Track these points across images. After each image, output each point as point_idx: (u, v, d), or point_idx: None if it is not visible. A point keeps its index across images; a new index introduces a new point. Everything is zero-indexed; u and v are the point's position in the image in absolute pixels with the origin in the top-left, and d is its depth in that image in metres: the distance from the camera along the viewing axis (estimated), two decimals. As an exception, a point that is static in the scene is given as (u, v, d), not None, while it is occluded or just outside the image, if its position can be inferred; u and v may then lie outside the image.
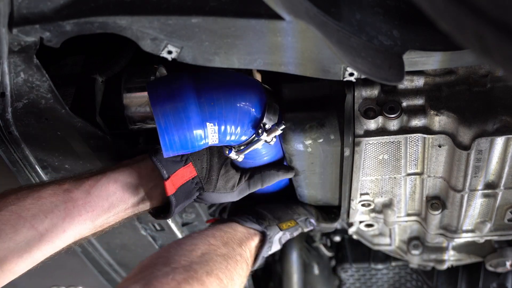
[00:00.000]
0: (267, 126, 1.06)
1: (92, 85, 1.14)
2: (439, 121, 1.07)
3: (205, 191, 1.16)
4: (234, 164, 1.20)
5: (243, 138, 1.08)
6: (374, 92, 1.08)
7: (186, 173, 1.13)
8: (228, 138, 1.06)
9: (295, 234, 1.32)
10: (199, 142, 1.05)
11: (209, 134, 1.04)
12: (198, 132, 1.03)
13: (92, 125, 1.08)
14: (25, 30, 0.85)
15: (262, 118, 1.06)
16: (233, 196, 1.21)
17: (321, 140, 1.10)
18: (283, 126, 1.07)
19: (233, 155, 1.10)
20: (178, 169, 1.11)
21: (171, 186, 1.10)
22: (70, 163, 1.17)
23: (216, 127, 1.03)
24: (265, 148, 1.14)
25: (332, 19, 0.87)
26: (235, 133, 1.06)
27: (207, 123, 1.03)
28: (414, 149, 1.14)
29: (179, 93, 1.02)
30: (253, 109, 1.06)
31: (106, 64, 1.15)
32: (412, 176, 1.22)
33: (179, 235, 1.49)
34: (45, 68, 0.95)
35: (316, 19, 0.83)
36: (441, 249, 1.59)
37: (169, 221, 1.42)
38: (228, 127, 1.04)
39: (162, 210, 1.15)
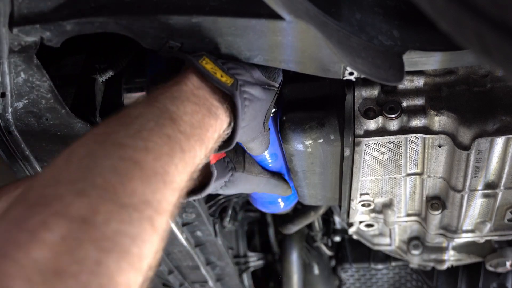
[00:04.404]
0: None
1: (92, 85, 1.14)
2: (439, 121, 1.07)
3: (237, 171, 1.15)
4: None
5: None
6: (374, 92, 1.08)
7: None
8: None
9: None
10: None
11: None
12: None
13: (92, 125, 1.08)
14: (25, 30, 0.85)
15: None
16: (259, 183, 1.21)
17: (321, 140, 1.10)
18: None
19: None
20: None
21: (211, 157, 1.06)
22: (70, 163, 1.17)
23: None
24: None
25: (332, 19, 0.87)
26: None
27: None
28: (414, 149, 1.14)
29: None
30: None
31: (106, 64, 1.15)
32: (412, 176, 1.22)
33: (179, 235, 1.49)
34: (45, 68, 0.95)
35: (316, 19, 0.84)
36: (441, 249, 1.59)
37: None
38: None
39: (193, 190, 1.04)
